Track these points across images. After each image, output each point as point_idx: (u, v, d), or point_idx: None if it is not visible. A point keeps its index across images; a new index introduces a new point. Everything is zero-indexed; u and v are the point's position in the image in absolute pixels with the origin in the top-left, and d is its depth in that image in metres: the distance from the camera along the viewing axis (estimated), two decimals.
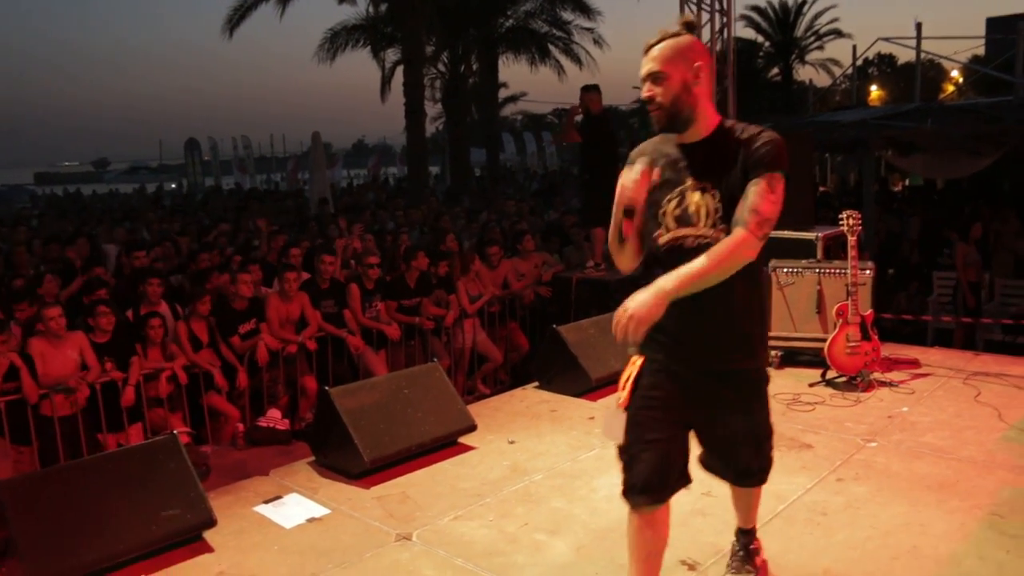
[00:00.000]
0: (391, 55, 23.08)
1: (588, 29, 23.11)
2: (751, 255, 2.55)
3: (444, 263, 8.51)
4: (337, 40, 22.65)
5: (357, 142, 78.81)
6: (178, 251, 9.63)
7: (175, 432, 4.28)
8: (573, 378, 5.97)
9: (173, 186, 34.57)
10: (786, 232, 6.98)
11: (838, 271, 6.23)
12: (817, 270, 6.36)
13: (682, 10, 8.53)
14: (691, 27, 2.73)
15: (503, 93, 30.04)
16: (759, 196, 2.53)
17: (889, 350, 6.52)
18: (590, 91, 8.41)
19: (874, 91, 39.05)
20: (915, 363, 6.43)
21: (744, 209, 2.54)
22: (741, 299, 2.71)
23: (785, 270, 6.42)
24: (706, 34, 8.60)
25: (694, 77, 2.62)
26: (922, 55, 16.73)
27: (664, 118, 2.66)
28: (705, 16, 8.52)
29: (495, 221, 11.54)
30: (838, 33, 37.30)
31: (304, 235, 10.68)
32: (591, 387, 5.94)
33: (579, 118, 8.44)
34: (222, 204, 17.13)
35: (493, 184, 20.80)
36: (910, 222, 12.18)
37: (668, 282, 2.46)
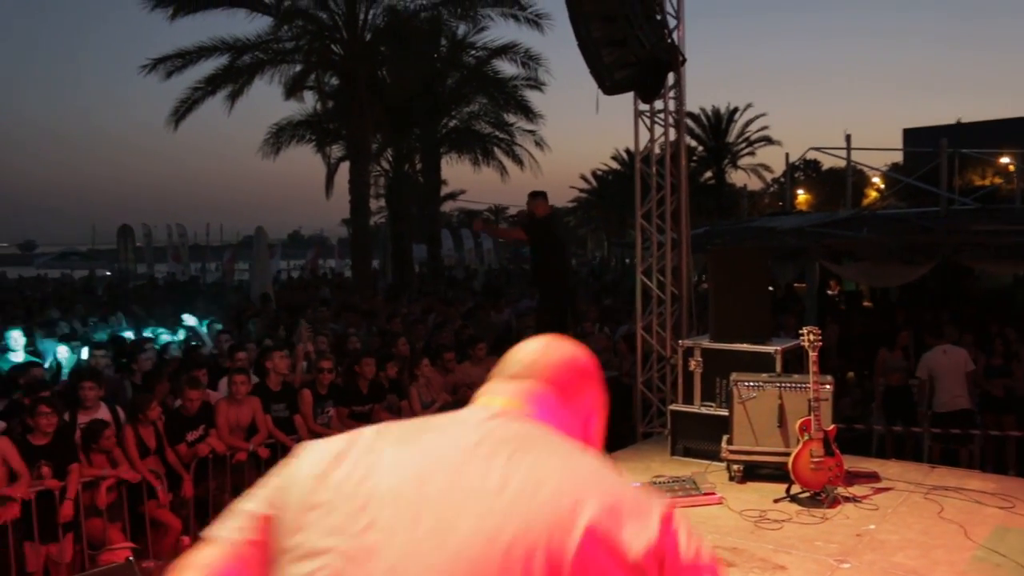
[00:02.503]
0: (335, 150, 23.23)
1: (530, 131, 23.62)
2: None
3: (393, 367, 8.34)
4: (282, 135, 22.79)
5: (293, 233, 78.44)
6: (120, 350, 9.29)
7: (131, 559, 4.01)
8: None
9: (108, 273, 33.73)
10: (745, 345, 7.05)
11: (799, 386, 6.27)
12: (778, 384, 6.39)
13: (636, 122, 8.70)
14: None
15: (443, 190, 30.40)
16: None
17: (848, 463, 6.51)
18: (536, 197, 8.61)
19: (801, 195, 40.37)
20: (875, 476, 6.45)
21: None
22: None
23: (746, 384, 6.43)
24: (658, 145, 8.77)
25: None
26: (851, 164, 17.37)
27: None
28: (659, 129, 8.70)
29: (444, 323, 11.41)
30: (768, 140, 38.98)
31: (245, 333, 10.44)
32: None
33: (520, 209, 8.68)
34: (160, 296, 16.69)
35: (435, 281, 20.81)
36: (827, 330, 12.24)
37: None
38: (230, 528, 1.45)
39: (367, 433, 1.39)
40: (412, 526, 1.22)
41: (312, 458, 1.37)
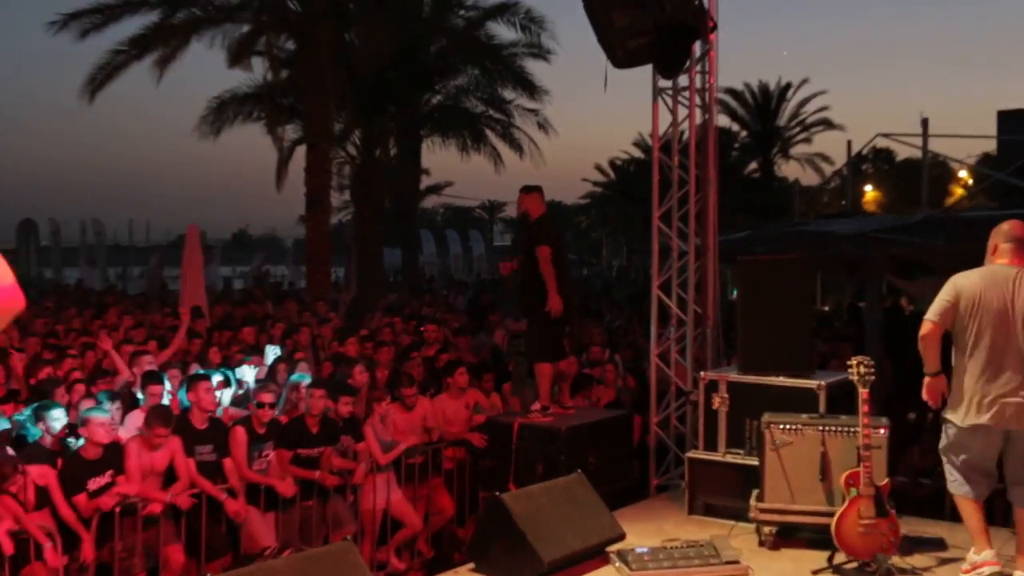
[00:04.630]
0: (291, 131, 23.23)
1: (532, 111, 23.68)
2: None
3: (348, 401, 8.38)
4: (225, 111, 22.90)
5: (239, 232, 78.44)
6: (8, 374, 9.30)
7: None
8: (520, 560, 5.86)
9: None
10: (780, 378, 7.08)
11: (846, 430, 6.30)
12: (820, 427, 6.42)
13: (655, 100, 8.77)
14: None
15: (424, 181, 30.36)
16: None
17: (908, 527, 6.54)
18: (530, 192, 8.55)
19: (869, 191, 40.48)
20: (941, 544, 6.48)
21: None
22: None
23: (781, 427, 6.47)
24: (683, 131, 8.84)
25: None
26: (928, 154, 17.44)
27: None
28: (683, 111, 8.76)
29: (412, 347, 11.45)
30: (828, 124, 38.99)
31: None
32: (543, 572, 5.83)
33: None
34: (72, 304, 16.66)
35: (410, 295, 20.80)
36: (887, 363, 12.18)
37: None
38: (934, 312, 5.66)
39: (973, 277, 5.67)
40: (1005, 311, 5.54)
41: (965, 282, 5.62)
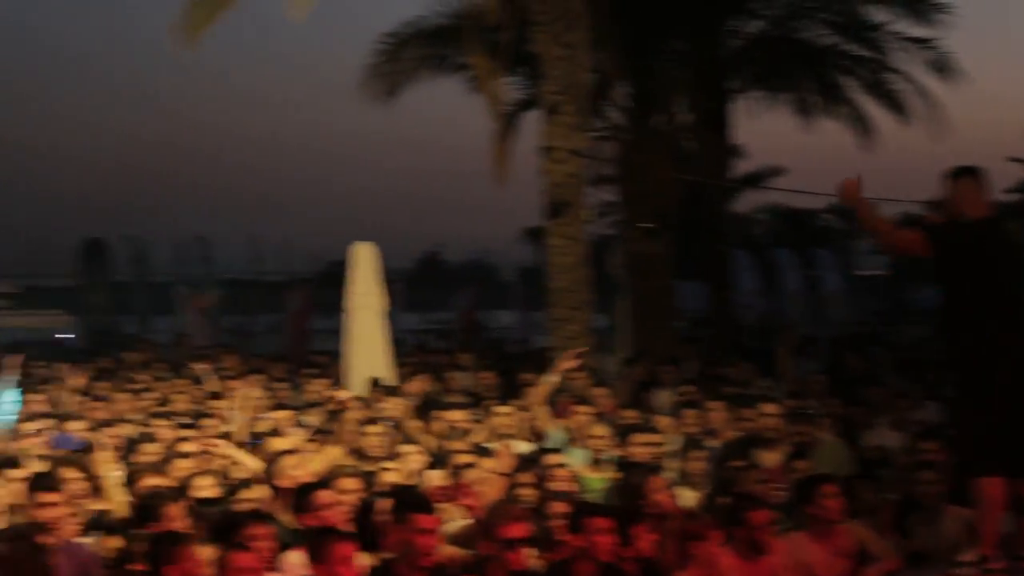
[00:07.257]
0: (505, 87, 22.63)
1: (922, 42, 22.89)
2: None
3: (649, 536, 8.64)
4: (403, 57, 22.96)
5: (427, 257, 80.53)
6: None
7: None
8: None
9: None
10: None
11: None
12: None
13: None
14: None
15: (738, 167, 30.50)
16: None
17: None
18: (964, 177, 8.78)
19: None
20: None
21: None
22: None
23: None
24: None
25: None
26: None
27: None
28: None
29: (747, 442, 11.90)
30: None
31: None
32: None
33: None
34: None
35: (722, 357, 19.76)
36: None
37: None
38: None
39: None
40: None
41: None
